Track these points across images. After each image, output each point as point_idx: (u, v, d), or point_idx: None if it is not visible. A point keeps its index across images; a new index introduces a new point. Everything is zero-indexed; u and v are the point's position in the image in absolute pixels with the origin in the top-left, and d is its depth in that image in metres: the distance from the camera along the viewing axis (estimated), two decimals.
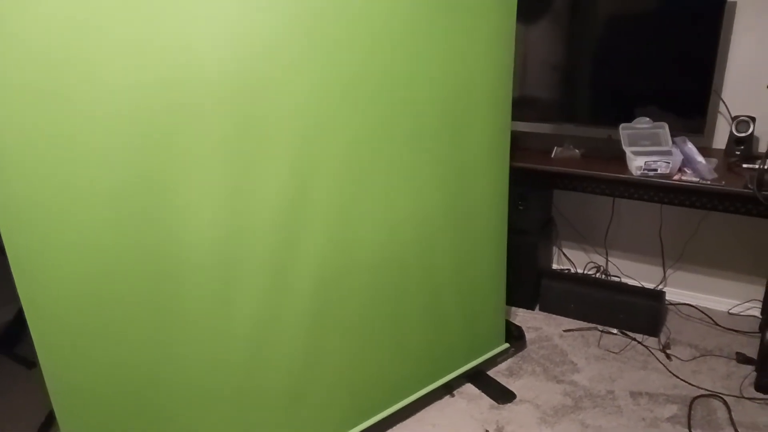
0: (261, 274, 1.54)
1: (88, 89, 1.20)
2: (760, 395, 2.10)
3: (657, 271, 2.74)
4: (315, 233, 1.62)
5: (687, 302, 2.68)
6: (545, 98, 2.55)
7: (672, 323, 2.56)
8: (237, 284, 1.51)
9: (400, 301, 1.92)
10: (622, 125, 2.18)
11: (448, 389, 2.21)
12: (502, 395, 2.18)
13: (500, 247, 2.21)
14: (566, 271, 2.98)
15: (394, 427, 2.04)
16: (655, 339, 2.45)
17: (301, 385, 1.73)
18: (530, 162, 2.36)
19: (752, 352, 2.31)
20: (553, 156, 2.36)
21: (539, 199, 2.62)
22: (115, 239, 1.31)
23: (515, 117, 2.65)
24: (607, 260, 2.86)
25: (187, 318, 1.46)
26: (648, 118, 2.18)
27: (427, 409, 2.13)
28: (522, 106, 2.60)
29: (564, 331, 2.56)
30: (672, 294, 2.70)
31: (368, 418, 1.97)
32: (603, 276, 2.88)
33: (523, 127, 2.75)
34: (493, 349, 2.33)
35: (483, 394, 2.20)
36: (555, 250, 3.00)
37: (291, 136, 1.49)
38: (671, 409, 2.06)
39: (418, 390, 2.10)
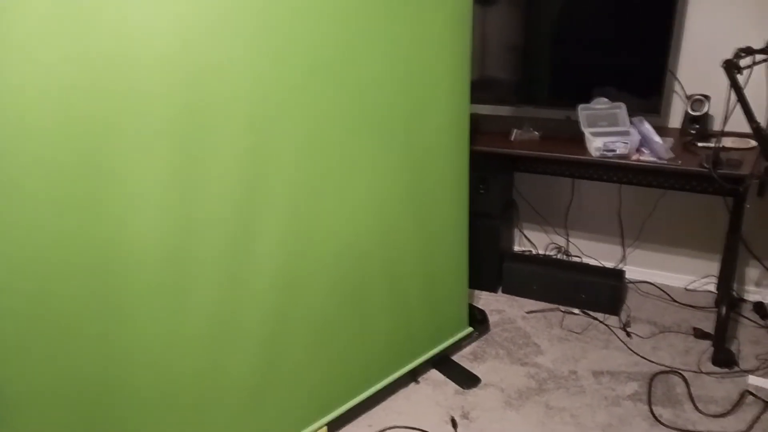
0: (215, 270, 1.47)
1: (18, 62, 1.10)
2: (717, 369, 2.15)
3: (617, 250, 2.77)
4: (272, 225, 1.56)
5: (646, 280, 2.72)
6: (505, 80, 2.53)
7: (632, 301, 2.60)
8: (189, 281, 1.44)
9: (362, 290, 1.88)
10: (580, 106, 2.18)
11: (413, 376, 2.19)
12: (467, 380, 2.17)
13: (461, 231, 2.18)
14: (528, 253, 2.99)
15: (360, 417, 2.02)
16: (616, 318, 2.49)
17: (262, 382, 1.68)
18: (490, 145, 2.34)
19: (709, 327, 2.36)
20: (512, 139, 2.34)
21: (500, 182, 2.60)
22: (54, 227, 1.21)
23: (475, 100, 2.61)
24: (568, 241, 2.88)
25: (136, 316, 1.38)
26: (606, 99, 2.18)
27: (393, 397, 2.11)
28: (482, 89, 2.57)
29: (527, 312, 2.57)
30: (631, 272, 2.74)
31: (333, 410, 1.94)
32: (564, 257, 2.91)
33: (483, 110, 2.72)
34: (457, 333, 2.32)
35: (448, 379, 2.19)
36: (516, 232, 3.00)
37: (241, 124, 1.42)
38: (632, 387, 2.10)
39: (383, 379, 2.07)
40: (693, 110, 2.18)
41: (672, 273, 2.67)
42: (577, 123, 2.18)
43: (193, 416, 1.55)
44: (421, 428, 1.97)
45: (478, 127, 2.53)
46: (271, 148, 1.50)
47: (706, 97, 2.17)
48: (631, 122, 2.09)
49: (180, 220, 1.38)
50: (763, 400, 1.98)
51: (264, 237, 1.55)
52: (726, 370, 2.13)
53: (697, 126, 2.18)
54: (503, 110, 2.71)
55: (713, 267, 2.56)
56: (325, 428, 1.91)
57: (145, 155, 1.29)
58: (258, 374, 1.66)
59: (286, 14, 1.43)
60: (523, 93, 2.51)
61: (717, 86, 2.25)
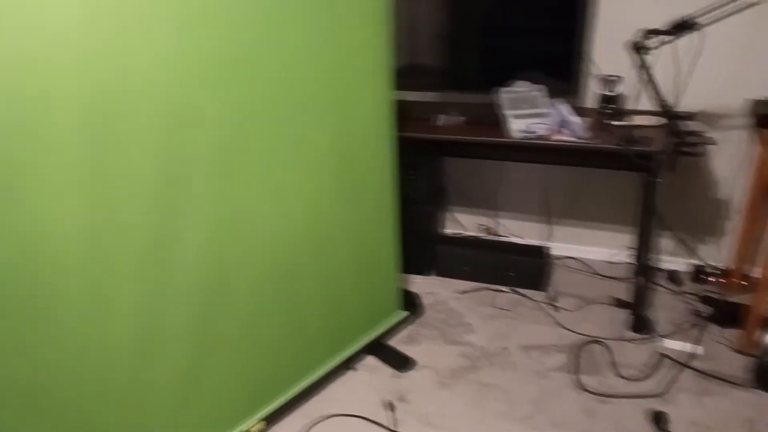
0: (137, 269, 1.41)
1: None
2: (637, 336, 2.27)
3: (542, 228, 2.86)
4: (194, 222, 1.50)
5: (571, 255, 2.83)
6: (431, 67, 2.55)
7: (558, 277, 2.70)
8: (110, 282, 1.37)
9: (293, 280, 1.86)
10: (502, 90, 2.22)
11: (349, 363, 2.19)
12: (402, 363, 2.19)
13: (392, 217, 2.19)
14: (458, 235, 3.05)
15: (297, 409, 2.00)
16: (544, 293, 2.57)
17: (191, 381, 1.63)
18: (418, 131, 2.35)
19: (629, 296, 2.49)
20: (438, 124, 2.36)
21: (429, 167, 2.63)
22: None
23: (403, 87, 2.62)
24: (497, 221, 2.95)
25: (61, 321, 1.31)
26: (527, 82, 2.23)
27: (330, 386, 2.10)
28: (410, 76, 2.58)
29: (459, 293, 2.62)
30: (557, 249, 2.84)
31: (269, 403, 1.91)
32: (493, 237, 2.98)
33: (411, 96, 2.73)
34: (392, 318, 2.34)
35: (384, 364, 2.20)
36: (447, 215, 3.04)
37: (157, 123, 1.36)
38: (560, 359, 2.18)
39: (319, 368, 2.06)
40: (607, 90, 2.27)
41: (594, 247, 2.79)
42: (499, 106, 2.23)
43: (121, 418, 1.49)
44: (358, 415, 1.97)
45: (405, 113, 2.54)
46: (190, 144, 1.44)
47: (619, 77, 2.26)
48: (551, 104, 2.16)
49: (97, 222, 1.32)
50: (678, 362, 2.11)
51: (187, 234, 1.50)
52: (644, 336, 2.26)
53: (612, 105, 2.28)
54: (431, 96, 2.73)
55: (631, 239, 2.69)
56: (263, 422, 1.89)
57: (60, 157, 1.23)
58: (186, 373, 1.61)
59: (200, 11, 1.37)
60: (449, 79, 2.54)
61: (629, 67, 2.35)
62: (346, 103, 1.83)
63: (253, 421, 1.86)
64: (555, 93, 2.22)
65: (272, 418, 1.93)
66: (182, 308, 1.54)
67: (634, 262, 2.29)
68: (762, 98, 2.17)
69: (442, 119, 2.36)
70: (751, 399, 1.93)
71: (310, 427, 1.93)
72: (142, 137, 1.35)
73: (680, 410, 1.91)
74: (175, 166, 1.42)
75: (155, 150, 1.38)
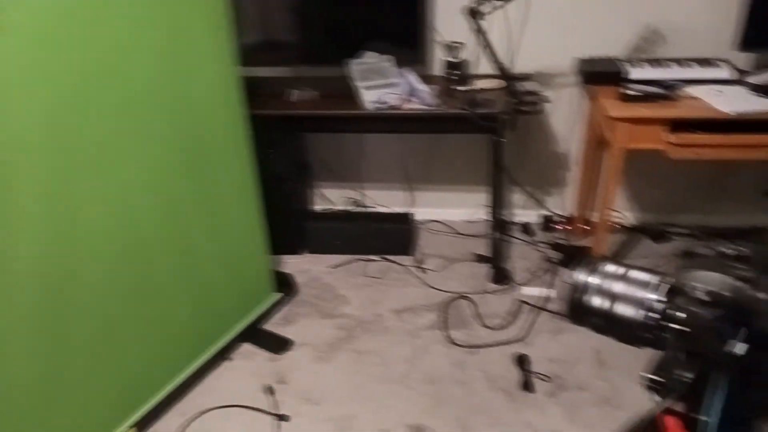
0: None
1: None
2: (497, 287, 2.43)
3: (405, 195, 2.95)
4: (26, 233, 1.36)
5: (434, 219, 2.95)
6: (283, 41, 2.49)
7: (423, 240, 2.80)
8: None
9: (152, 278, 1.75)
10: (351, 61, 2.22)
11: (224, 354, 2.12)
12: (279, 345, 2.17)
13: (252, 199, 2.13)
14: (327, 211, 3.05)
15: (172, 408, 1.91)
16: (411, 257, 2.66)
17: (42, 399, 1.49)
18: (272, 108, 2.29)
19: (488, 251, 2.64)
20: (292, 99, 2.31)
21: (289, 144, 2.58)
22: None
23: (254, 63, 2.52)
24: (362, 193, 2.98)
25: None
26: (375, 53, 2.25)
27: (205, 380, 2.03)
28: (260, 52, 2.50)
29: (331, 267, 2.64)
30: (420, 214, 2.94)
31: (138, 407, 1.80)
32: (360, 209, 3.01)
33: (264, 72, 2.64)
34: (264, 302, 2.29)
35: (260, 349, 2.16)
36: (314, 191, 3.02)
37: None
38: (429, 317, 2.28)
39: (191, 364, 1.98)
40: (451, 57, 2.36)
41: (454, 209, 2.93)
42: (352, 79, 2.23)
43: None
44: (237, 404, 1.93)
45: (258, 90, 2.45)
46: (7, 146, 1.28)
47: (461, 43, 2.35)
48: (399, 73, 2.20)
49: None
50: (535, 307, 2.30)
51: (17, 248, 1.35)
52: (504, 286, 2.42)
53: (457, 72, 2.37)
54: (284, 71, 2.66)
55: (486, 198, 2.85)
56: (134, 429, 1.78)
57: None
58: (36, 391, 1.47)
59: None
60: (301, 53, 2.49)
61: (470, 33, 2.46)
62: (186, 84, 1.73)
63: (123, 428, 1.75)
64: (403, 62, 2.26)
65: (146, 422, 1.83)
66: (20, 326, 1.40)
67: (491, 218, 2.44)
68: (586, 57, 2.37)
69: (295, 94, 2.31)
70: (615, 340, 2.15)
71: (187, 425, 1.85)
72: None
73: (539, 350, 2.09)
74: None
75: None
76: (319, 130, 2.45)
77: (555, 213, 2.86)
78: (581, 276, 0.58)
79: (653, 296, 0.54)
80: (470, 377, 1.99)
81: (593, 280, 0.57)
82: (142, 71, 1.58)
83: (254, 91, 2.28)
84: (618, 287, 0.56)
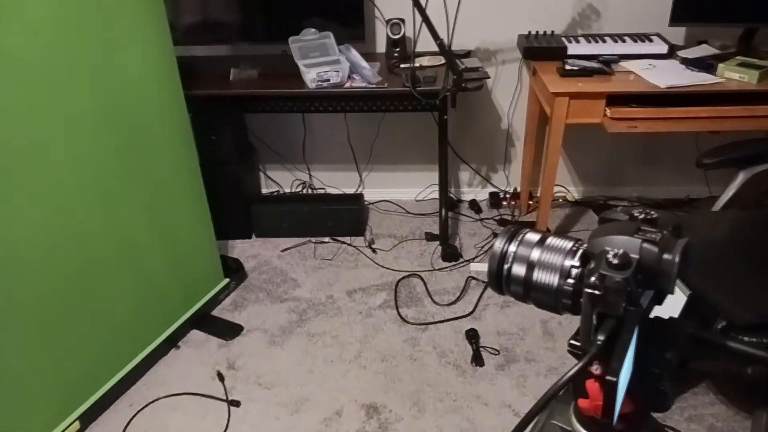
0: None
1: None
2: (446, 264, 2.46)
3: (354, 176, 2.93)
4: None
5: (383, 198, 2.95)
6: (220, 18, 2.40)
7: (373, 220, 2.80)
8: None
9: (90, 271, 1.70)
10: (291, 39, 2.17)
11: (172, 342, 2.08)
12: (229, 331, 2.14)
13: (194, 183, 2.08)
14: (275, 194, 3.01)
15: (119, 400, 1.86)
16: (361, 238, 2.66)
17: None
18: (210, 88, 2.23)
19: (437, 229, 2.67)
20: (231, 79, 2.25)
21: (230, 125, 2.51)
22: None
23: (192, 41, 2.44)
24: (310, 175, 2.95)
25: None
26: (314, 29, 2.21)
27: (153, 369, 1.99)
28: (198, 29, 2.41)
29: (281, 251, 2.61)
30: (369, 194, 2.94)
31: (82, 402, 1.76)
32: (309, 191, 2.99)
33: (202, 51, 2.56)
34: (212, 288, 2.25)
35: (210, 336, 2.13)
36: (261, 175, 2.98)
37: None
38: (381, 297, 2.29)
39: (136, 355, 1.93)
40: (392, 33, 2.34)
41: (403, 188, 2.94)
42: (292, 57, 2.18)
43: None
44: (187, 392, 1.90)
45: (196, 69, 2.38)
46: None
47: (402, 20, 2.33)
48: (340, 51, 2.17)
49: None
50: (483, 282, 2.34)
51: None
52: (453, 263, 2.45)
53: (398, 49, 2.35)
54: (222, 50, 2.59)
55: (434, 176, 2.87)
56: (77, 423, 1.73)
57: None
58: None
59: None
60: (239, 30, 2.42)
61: (411, 9, 2.44)
62: (118, 64, 1.66)
63: (66, 423, 1.70)
64: (343, 39, 2.23)
65: (92, 416, 1.79)
66: None
67: (439, 197, 2.46)
68: (526, 33, 2.39)
69: (234, 73, 2.25)
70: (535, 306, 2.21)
71: (134, 415, 1.81)
72: None
73: (488, 324, 2.13)
74: None
75: None
76: (260, 110, 2.40)
77: (501, 189, 2.91)
78: (501, 245, 0.59)
79: (569, 262, 0.55)
80: (422, 354, 2.01)
81: (513, 248, 0.58)
82: (68, 53, 1.50)
83: (192, 72, 2.21)
84: (536, 254, 0.56)
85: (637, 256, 0.50)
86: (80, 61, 1.54)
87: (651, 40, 2.28)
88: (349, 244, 2.62)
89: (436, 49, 2.00)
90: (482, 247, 2.55)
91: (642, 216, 0.54)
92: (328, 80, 2.09)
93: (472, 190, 2.93)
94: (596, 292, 0.49)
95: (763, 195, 2.33)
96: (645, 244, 0.50)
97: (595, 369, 0.52)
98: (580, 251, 0.55)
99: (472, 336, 2.04)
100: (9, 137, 1.39)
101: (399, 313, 2.19)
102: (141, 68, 1.73)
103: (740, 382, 1.78)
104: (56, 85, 1.49)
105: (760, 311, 1.39)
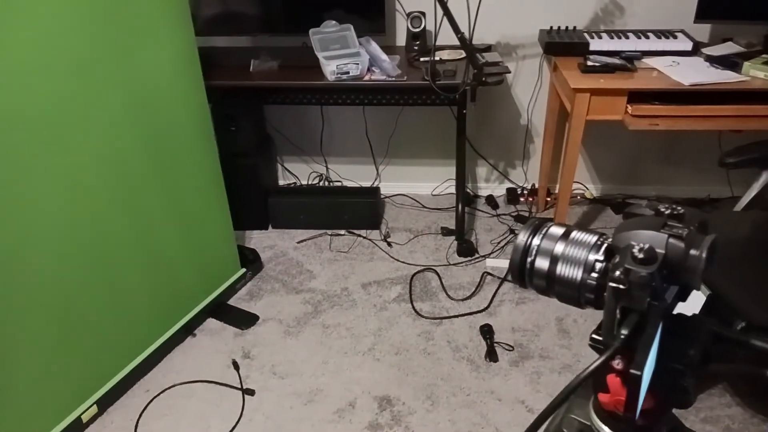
0: None
1: None
2: (462, 259, 2.46)
3: (371, 169, 2.94)
4: None
5: (400, 192, 2.95)
6: (241, 10, 2.41)
7: (389, 214, 2.80)
8: None
9: (110, 258, 1.72)
10: (311, 30, 2.18)
11: (188, 330, 2.10)
12: (245, 320, 2.16)
13: (214, 174, 2.09)
14: (292, 185, 3.02)
15: (135, 385, 1.89)
16: (377, 231, 2.67)
17: (2, 379, 1.46)
18: (230, 79, 2.24)
19: (453, 224, 2.67)
20: (251, 70, 2.26)
21: (250, 117, 2.53)
22: None
23: (213, 32, 2.46)
24: (327, 168, 2.96)
25: None
26: (335, 21, 2.21)
27: (169, 356, 2.01)
28: (219, 20, 2.42)
29: (297, 243, 2.62)
30: (386, 188, 2.94)
31: (100, 386, 1.79)
32: (326, 183, 2.99)
33: (223, 42, 2.58)
34: (229, 278, 2.27)
35: (225, 325, 2.15)
36: (279, 167, 2.99)
37: None
38: (396, 290, 2.29)
39: (153, 341, 1.96)
40: (413, 27, 2.33)
41: (419, 182, 2.93)
42: (312, 49, 2.19)
43: None
44: (203, 380, 1.92)
45: (215, 60, 2.39)
46: None
47: (423, 13, 2.33)
48: (360, 43, 2.17)
49: None
50: (499, 277, 2.33)
51: None
52: (468, 258, 2.45)
53: (418, 42, 2.35)
54: (243, 41, 2.60)
55: (451, 171, 2.86)
56: (94, 407, 1.76)
57: None
58: None
59: None
60: (258, 21, 2.43)
61: (432, 2, 2.43)
62: (142, 55, 1.67)
63: (84, 407, 1.73)
64: (363, 31, 2.23)
65: (109, 400, 1.82)
66: None
67: (456, 192, 2.45)
68: (548, 28, 2.37)
69: (253, 64, 2.26)
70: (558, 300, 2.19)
71: (150, 401, 1.84)
72: None
73: (503, 320, 2.12)
74: None
75: None
76: (279, 102, 2.40)
77: (519, 185, 2.89)
78: (525, 238, 0.58)
79: (593, 256, 0.54)
80: (436, 348, 2.01)
81: (536, 241, 0.58)
82: (92, 42, 1.52)
83: (212, 63, 2.23)
84: (560, 248, 0.56)
85: (663, 251, 0.50)
86: (103, 50, 1.56)
87: (675, 37, 2.25)
88: (364, 237, 2.63)
89: (456, 42, 1.99)
90: (498, 242, 2.55)
91: (668, 211, 0.53)
92: (348, 72, 2.09)
93: (489, 185, 2.92)
94: (621, 286, 0.49)
95: None
96: (671, 240, 0.50)
97: (617, 364, 0.52)
98: (605, 245, 0.54)
99: (487, 331, 2.04)
100: (31, 125, 1.42)
101: (413, 307, 2.19)
102: (163, 58, 1.75)
103: (758, 384, 1.76)
104: (79, 73, 1.51)
105: None
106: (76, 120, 1.53)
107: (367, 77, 2.12)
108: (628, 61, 2.12)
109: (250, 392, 1.86)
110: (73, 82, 1.49)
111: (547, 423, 0.68)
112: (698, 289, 0.51)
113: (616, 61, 2.11)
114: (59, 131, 1.49)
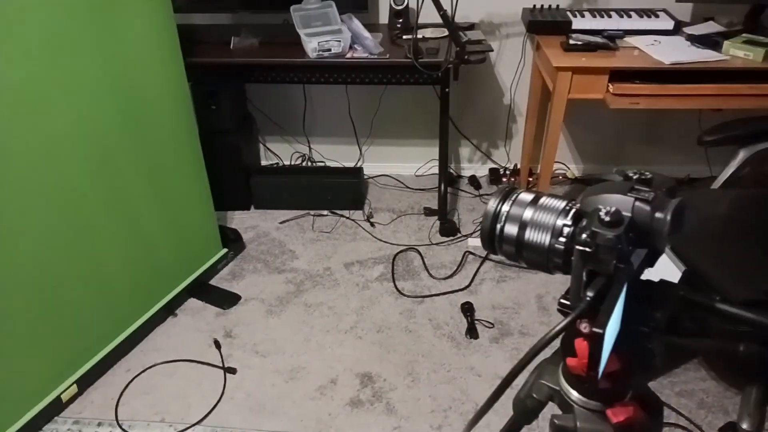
0: None
1: None
2: (444, 239, 2.46)
3: (354, 150, 2.92)
4: None
5: (383, 173, 2.94)
6: None
7: (372, 194, 2.80)
8: None
9: (89, 237, 1.70)
10: (292, 7, 2.14)
11: (170, 310, 2.09)
12: (227, 300, 2.15)
13: (194, 152, 2.07)
14: (275, 165, 3.00)
15: (116, 365, 1.89)
16: (360, 211, 2.66)
17: None
18: (210, 56, 2.21)
19: (436, 204, 2.67)
20: (231, 47, 2.23)
21: (230, 95, 2.50)
22: None
23: (192, 9, 2.41)
24: (310, 147, 2.94)
25: None
26: None
27: (150, 336, 2.00)
28: None
29: (280, 223, 2.61)
30: (369, 168, 2.93)
31: (81, 365, 1.78)
32: (308, 163, 2.98)
33: (202, 19, 2.53)
34: (210, 258, 2.26)
35: (207, 304, 2.14)
36: (261, 147, 2.96)
37: None
38: (378, 269, 2.30)
39: (134, 321, 1.95)
40: (396, 4, 2.31)
41: (403, 163, 2.92)
42: (294, 26, 2.16)
43: None
44: (184, 359, 1.92)
45: (196, 37, 2.35)
46: None
47: None
48: (342, 20, 2.14)
49: None
50: (480, 256, 2.34)
51: None
52: (451, 238, 2.45)
53: (401, 20, 2.32)
54: (222, 18, 2.55)
55: (435, 152, 2.86)
56: (74, 386, 1.75)
57: None
58: None
59: None
60: None
61: None
62: (118, 30, 1.64)
63: (64, 386, 1.72)
64: (346, 8, 2.20)
65: (89, 380, 1.81)
66: None
67: (439, 172, 2.45)
68: (531, 6, 2.36)
69: (234, 42, 2.23)
70: (539, 278, 2.21)
71: (131, 380, 1.83)
72: None
73: (483, 298, 2.14)
74: None
75: None
76: (261, 80, 2.37)
77: (501, 165, 2.90)
78: (495, 205, 0.58)
79: (561, 221, 0.54)
80: (417, 326, 2.02)
81: (506, 208, 0.58)
82: (68, 16, 1.48)
83: (192, 40, 2.19)
84: (528, 214, 0.56)
85: (629, 215, 0.50)
86: (80, 27, 1.52)
87: (657, 16, 2.25)
88: (347, 218, 2.62)
89: (439, 20, 1.97)
90: (480, 222, 2.55)
91: (636, 176, 0.53)
92: (330, 50, 2.06)
93: (472, 165, 2.92)
94: (587, 249, 0.49)
95: (765, 175, 2.32)
96: (638, 203, 0.50)
97: (584, 327, 0.52)
98: (573, 210, 0.54)
99: (468, 309, 2.05)
100: (9, 102, 1.38)
101: (396, 286, 2.20)
102: (141, 35, 1.71)
103: (732, 359, 1.80)
104: (57, 50, 1.47)
105: (756, 288, 1.39)
106: (54, 98, 1.50)
107: (349, 54, 2.10)
108: (610, 40, 2.12)
109: (232, 371, 1.86)
110: (47, 53, 1.46)
111: (519, 390, 0.69)
112: (663, 251, 0.51)
113: (598, 39, 2.11)
114: (36, 109, 1.45)
